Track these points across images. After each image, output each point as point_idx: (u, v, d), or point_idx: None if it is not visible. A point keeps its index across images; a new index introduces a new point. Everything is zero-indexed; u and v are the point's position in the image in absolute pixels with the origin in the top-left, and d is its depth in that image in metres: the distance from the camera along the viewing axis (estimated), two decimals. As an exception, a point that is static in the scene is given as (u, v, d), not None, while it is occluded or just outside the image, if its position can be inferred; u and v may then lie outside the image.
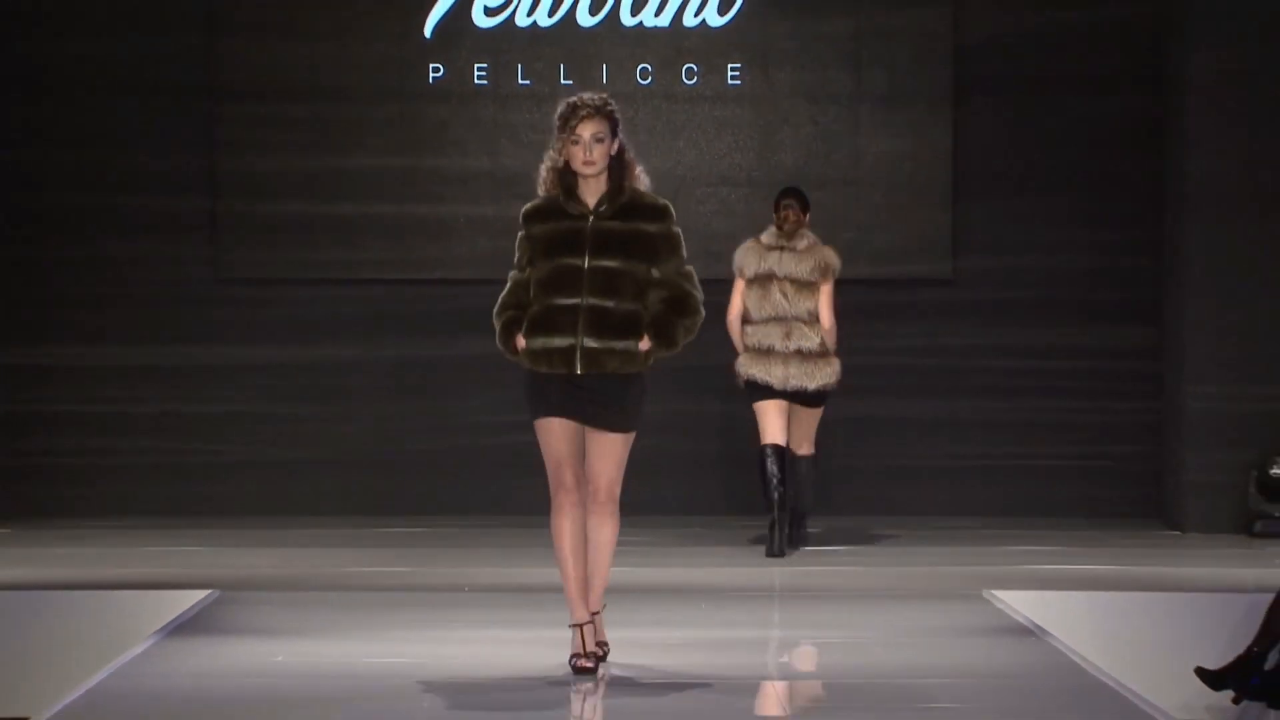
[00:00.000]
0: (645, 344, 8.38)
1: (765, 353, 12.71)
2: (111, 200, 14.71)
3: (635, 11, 14.70)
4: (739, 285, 12.82)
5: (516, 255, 8.55)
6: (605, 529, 8.47)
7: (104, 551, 13.04)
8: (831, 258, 12.80)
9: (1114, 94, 14.68)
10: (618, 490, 8.49)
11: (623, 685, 8.19)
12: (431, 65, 14.76)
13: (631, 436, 8.50)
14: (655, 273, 8.42)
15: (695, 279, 8.50)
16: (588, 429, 8.45)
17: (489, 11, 14.70)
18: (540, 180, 8.50)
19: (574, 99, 8.42)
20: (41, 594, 11.15)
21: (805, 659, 9.42)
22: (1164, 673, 10.17)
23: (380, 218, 14.77)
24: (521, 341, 8.42)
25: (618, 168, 8.42)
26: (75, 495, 14.69)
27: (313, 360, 14.76)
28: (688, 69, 14.74)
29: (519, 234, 8.53)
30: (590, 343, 8.34)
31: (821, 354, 12.72)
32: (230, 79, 14.69)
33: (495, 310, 8.54)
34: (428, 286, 14.58)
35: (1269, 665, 9.91)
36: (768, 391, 12.70)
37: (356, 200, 14.77)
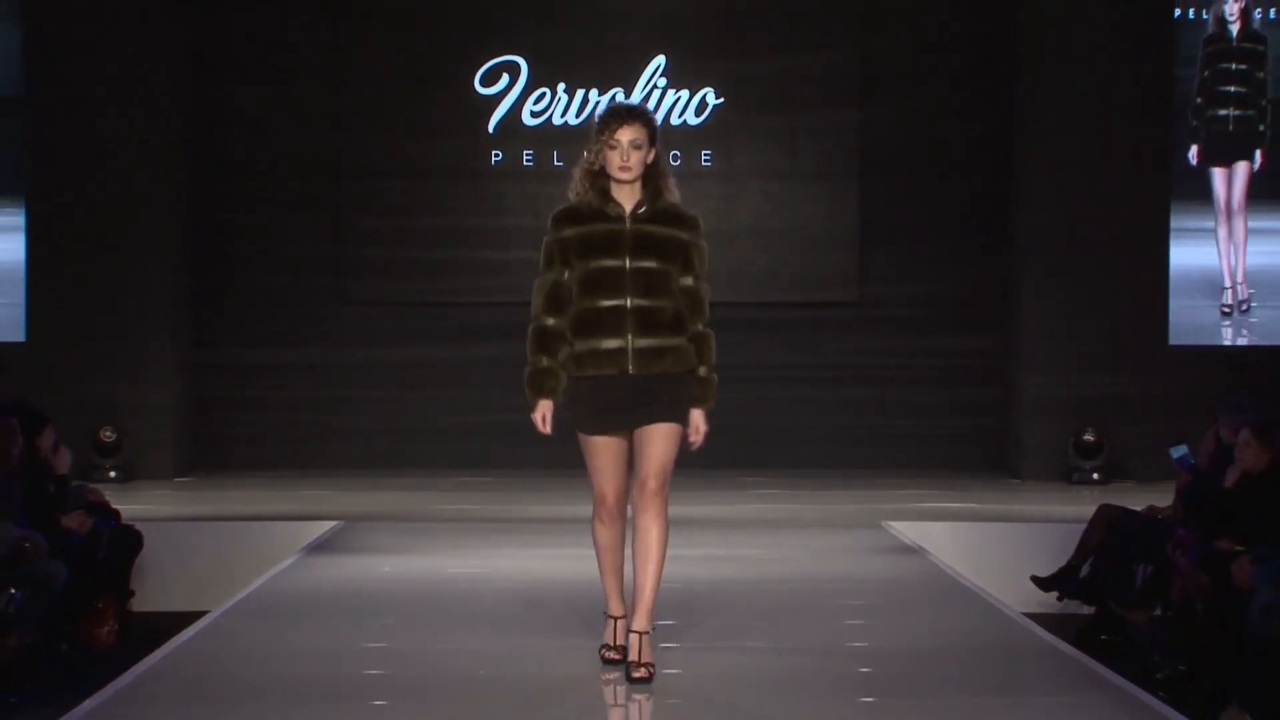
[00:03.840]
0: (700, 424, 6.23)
1: None
2: (268, 246, 14.65)
3: (636, 114, 14.64)
4: None
5: (544, 259, 6.30)
6: (654, 529, 6.13)
7: (261, 493, 13.00)
8: None
9: (974, 173, 14.62)
10: (667, 483, 6.17)
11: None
12: (493, 152, 14.69)
13: (682, 431, 6.19)
14: (688, 280, 6.29)
15: (708, 298, 6.40)
16: (638, 430, 6.18)
17: (534, 114, 14.65)
18: (572, 185, 6.30)
19: (615, 104, 6.50)
20: (217, 524, 11.15)
21: (748, 569, 9.34)
22: (1008, 580, 10.12)
23: (459, 259, 14.70)
24: (547, 407, 6.21)
25: (653, 176, 6.31)
26: (242, 454, 14.61)
27: (410, 359, 14.69)
28: (673, 155, 14.59)
29: (546, 239, 6.27)
30: (642, 342, 6.13)
31: None
32: (351, 163, 14.61)
33: (531, 329, 6.31)
34: (492, 308, 14.48)
35: (1083, 574, 9.85)
36: None
37: (442, 248, 14.70)
